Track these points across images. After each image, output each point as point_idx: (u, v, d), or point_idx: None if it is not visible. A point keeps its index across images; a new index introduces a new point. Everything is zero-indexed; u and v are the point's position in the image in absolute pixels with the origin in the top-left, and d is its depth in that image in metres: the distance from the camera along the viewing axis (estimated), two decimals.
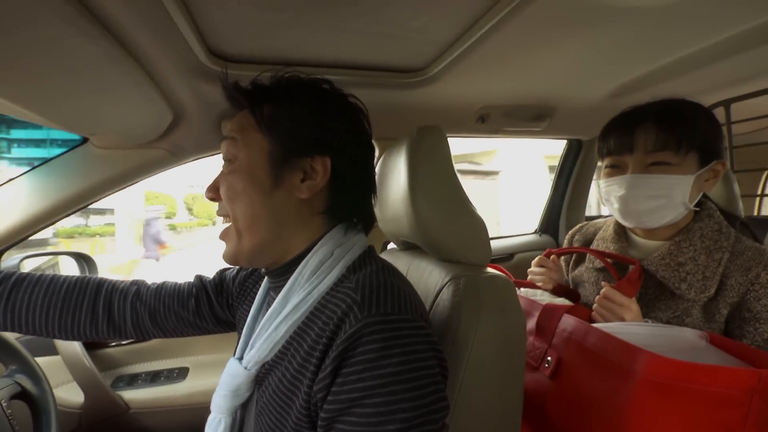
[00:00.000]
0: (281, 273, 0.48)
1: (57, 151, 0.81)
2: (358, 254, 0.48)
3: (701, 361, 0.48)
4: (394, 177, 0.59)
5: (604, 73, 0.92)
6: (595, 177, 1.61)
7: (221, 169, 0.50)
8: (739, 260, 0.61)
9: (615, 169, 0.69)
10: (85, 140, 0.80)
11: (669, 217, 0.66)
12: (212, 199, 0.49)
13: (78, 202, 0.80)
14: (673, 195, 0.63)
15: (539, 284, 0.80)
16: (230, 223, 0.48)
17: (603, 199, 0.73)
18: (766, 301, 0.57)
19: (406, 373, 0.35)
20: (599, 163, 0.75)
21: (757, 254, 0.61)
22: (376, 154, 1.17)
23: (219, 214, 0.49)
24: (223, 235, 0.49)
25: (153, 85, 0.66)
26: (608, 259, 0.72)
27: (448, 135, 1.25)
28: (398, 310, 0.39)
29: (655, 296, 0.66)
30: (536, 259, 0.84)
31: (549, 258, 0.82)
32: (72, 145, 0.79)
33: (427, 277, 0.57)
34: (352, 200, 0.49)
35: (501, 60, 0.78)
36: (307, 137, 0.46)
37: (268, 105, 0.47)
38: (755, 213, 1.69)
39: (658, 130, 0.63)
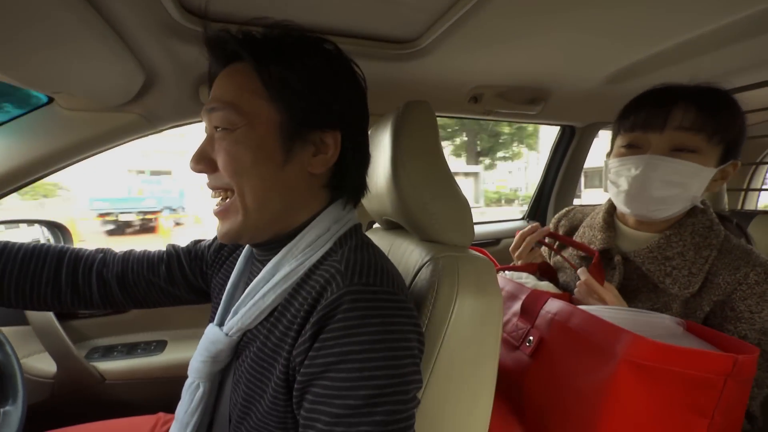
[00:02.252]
0: (274, 247, 0.46)
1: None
2: (348, 229, 0.47)
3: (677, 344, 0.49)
4: (379, 153, 0.57)
5: (601, 56, 0.89)
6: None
7: (208, 137, 0.44)
8: (726, 258, 0.60)
9: (632, 149, 0.64)
10: (50, 100, 0.74)
11: (675, 209, 0.63)
12: (201, 171, 0.44)
13: (42, 167, 0.76)
14: (690, 184, 0.60)
15: (520, 260, 0.79)
16: (225, 198, 0.44)
17: (609, 181, 0.68)
18: (751, 301, 0.57)
19: (383, 342, 0.36)
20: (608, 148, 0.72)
21: (745, 254, 0.60)
22: None
23: (212, 186, 0.44)
24: (222, 213, 0.44)
25: (120, 42, 0.61)
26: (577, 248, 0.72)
27: (440, 114, 1.22)
28: (380, 282, 0.39)
29: (636, 287, 0.66)
30: (516, 239, 0.80)
31: (523, 238, 0.79)
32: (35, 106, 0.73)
33: (407, 257, 0.56)
34: (357, 175, 0.48)
35: (495, 34, 0.75)
36: (320, 108, 0.42)
37: (275, 65, 0.41)
38: (739, 207, 1.72)
39: (699, 109, 0.58)
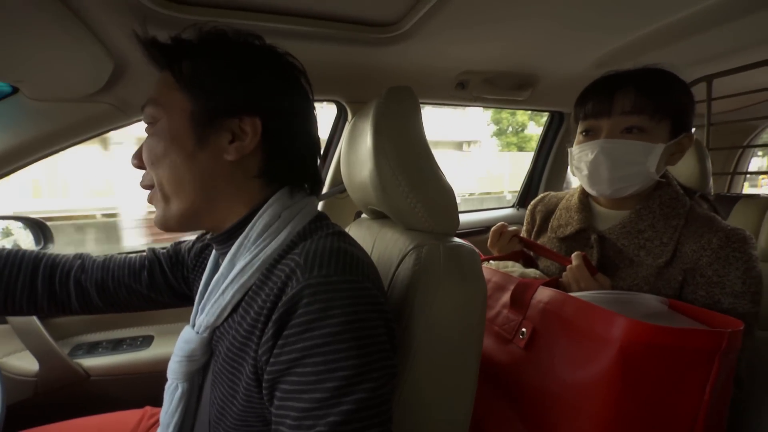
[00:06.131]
0: (225, 239, 0.47)
1: None
2: (308, 220, 0.46)
3: (666, 324, 0.50)
4: (361, 141, 0.56)
5: (588, 40, 0.88)
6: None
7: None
8: (692, 227, 0.64)
9: (589, 135, 0.69)
10: (15, 90, 0.71)
11: (636, 187, 0.66)
12: (138, 167, 0.47)
13: (9, 162, 0.73)
14: (643, 162, 0.64)
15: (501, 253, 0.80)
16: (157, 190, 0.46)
17: (573, 167, 0.73)
18: (717, 266, 0.59)
19: (346, 332, 0.35)
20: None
21: (708, 221, 0.63)
22: (349, 117, 1.12)
23: (142, 185, 0.47)
24: (150, 199, 0.47)
25: (82, 27, 0.58)
26: (568, 230, 0.74)
27: (426, 101, 1.20)
28: (341, 272, 0.38)
29: (614, 265, 0.68)
30: (492, 235, 0.82)
31: (499, 233, 0.82)
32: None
33: (392, 246, 0.55)
34: (288, 163, 0.47)
35: (480, 17, 0.73)
36: (232, 96, 0.43)
37: (188, 61, 0.43)
38: (726, 191, 1.74)
39: (637, 93, 0.63)
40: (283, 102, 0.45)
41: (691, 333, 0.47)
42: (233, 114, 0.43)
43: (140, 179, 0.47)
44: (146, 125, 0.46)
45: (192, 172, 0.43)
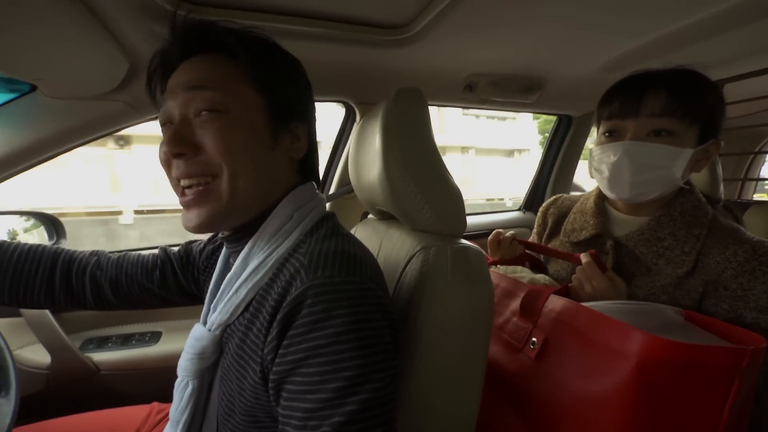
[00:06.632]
0: (238, 238, 0.47)
1: None
2: (317, 220, 0.47)
3: (682, 337, 0.49)
4: (369, 142, 0.56)
5: (597, 43, 0.88)
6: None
7: (182, 120, 0.42)
8: (715, 237, 0.61)
9: (613, 136, 0.65)
10: (33, 88, 0.72)
11: (657, 192, 0.63)
12: (181, 155, 0.41)
13: (27, 158, 0.74)
14: (669, 167, 0.61)
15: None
16: (204, 184, 0.42)
17: (593, 168, 0.70)
18: (743, 279, 0.57)
19: (350, 333, 0.35)
20: (594, 133, 0.73)
21: (733, 232, 0.60)
22: (357, 119, 1.13)
23: (190, 173, 0.42)
24: (199, 199, 0.42)
25: (100, 27, 0.59)
26: (582, 235, 0.72)
27: (434, 103, 1.20)
28: (345, 272, 0.38)
29: (630, 272, 0.65)
30: (491, 245, 0.83)
31: (497, 241, 0.82)
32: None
33: (399, 247, 0.55)
34: (316, 164, 0.53)
35: (489, 20, 0.73)
36: (298, 101, 0.48)
37: (259, 57, 0.44)
38: (736, 197, 1.72)
39: (670, 94, 0.60)
40: (313, 110, 0.52)
41: (711, 350, 0.45)
42: (296, 119, 0.48)
43: (186, 167, 0.42)
44: (206, 111, 0.41)
45: (268, 165, 0.45)
